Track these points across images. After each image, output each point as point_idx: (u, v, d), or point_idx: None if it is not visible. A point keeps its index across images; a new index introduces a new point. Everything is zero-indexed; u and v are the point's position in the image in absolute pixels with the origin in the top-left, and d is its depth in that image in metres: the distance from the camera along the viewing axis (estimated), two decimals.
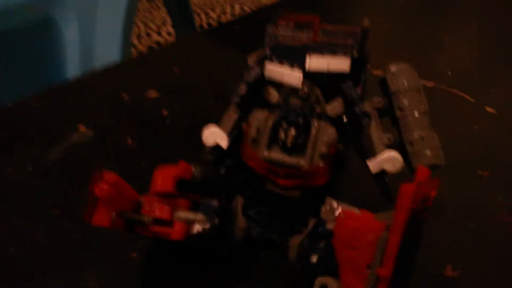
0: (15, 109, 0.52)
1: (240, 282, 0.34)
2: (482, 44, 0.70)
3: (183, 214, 0.30)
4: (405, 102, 0.37)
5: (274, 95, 0.37)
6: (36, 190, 0.42)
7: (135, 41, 1.29)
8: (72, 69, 0.82)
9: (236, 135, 0.37)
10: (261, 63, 0.36)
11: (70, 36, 0.82)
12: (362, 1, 0.84)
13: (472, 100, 0.56)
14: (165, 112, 0.52)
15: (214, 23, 1.31)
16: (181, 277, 0.34)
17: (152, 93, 0.55)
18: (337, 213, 0.31)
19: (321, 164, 0.33)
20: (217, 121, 0.38)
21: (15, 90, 0.57)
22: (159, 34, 1.33)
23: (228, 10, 1.39)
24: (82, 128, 0.49)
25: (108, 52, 0.82)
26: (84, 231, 0.37)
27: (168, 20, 1.30)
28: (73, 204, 0.40)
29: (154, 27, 1.34)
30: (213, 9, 1.39)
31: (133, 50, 1.13)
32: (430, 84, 0.58)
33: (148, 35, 1.32)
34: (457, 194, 0.43)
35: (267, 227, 0.36)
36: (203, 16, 1.37)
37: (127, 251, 0.36)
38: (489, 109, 0.54)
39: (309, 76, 0.35)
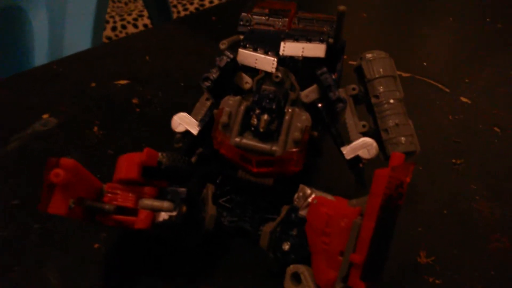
0: None
1: (210, 274, 0.33)
2: (457, 36, 0.70)
3: (148, 202, 0.29)
4: (381, 89, 0.36)
5: (247, 81, 0.35)
6: None
7: (110, 33, 1.25)
8: (41, 58, 0.79)
9: (208, 122, 0.35)
10: (234, 49, 0.35)
11: (38, 24, 0.79)
12: None
13: (447, 90, 0.56)
14: (135, 101, 0.50)
15: None
16: (146, 269, 0.33)
17: (122, 81, 0.53)
18: (310, 199, 0.30)
19: (294, 150, 0.31)
20: (189, 111, 0.37)
21: None
22: (135, 26, 1.29)
23: (207, 2, 1.36)
24: (45, 116, 0.46)
25: (78, 41, 0.79)
26: (46, 223, 0.35)
27: (145, 12, 1.27)
28: (34, 195, 0.38)
29: (130, 19, 1.30)
30: (191, 2, 1.36)
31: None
32: (406, 74, 0.58)
33: (124, 27, 1.29)
34: (431, 181, 0.43)
35: (239, 216, 0.34)
36: (180, 8, 1.34)
37: (89, 242, 0.34)
38: (464, 99, 0.55)
39: (284, 63, 0.34)
